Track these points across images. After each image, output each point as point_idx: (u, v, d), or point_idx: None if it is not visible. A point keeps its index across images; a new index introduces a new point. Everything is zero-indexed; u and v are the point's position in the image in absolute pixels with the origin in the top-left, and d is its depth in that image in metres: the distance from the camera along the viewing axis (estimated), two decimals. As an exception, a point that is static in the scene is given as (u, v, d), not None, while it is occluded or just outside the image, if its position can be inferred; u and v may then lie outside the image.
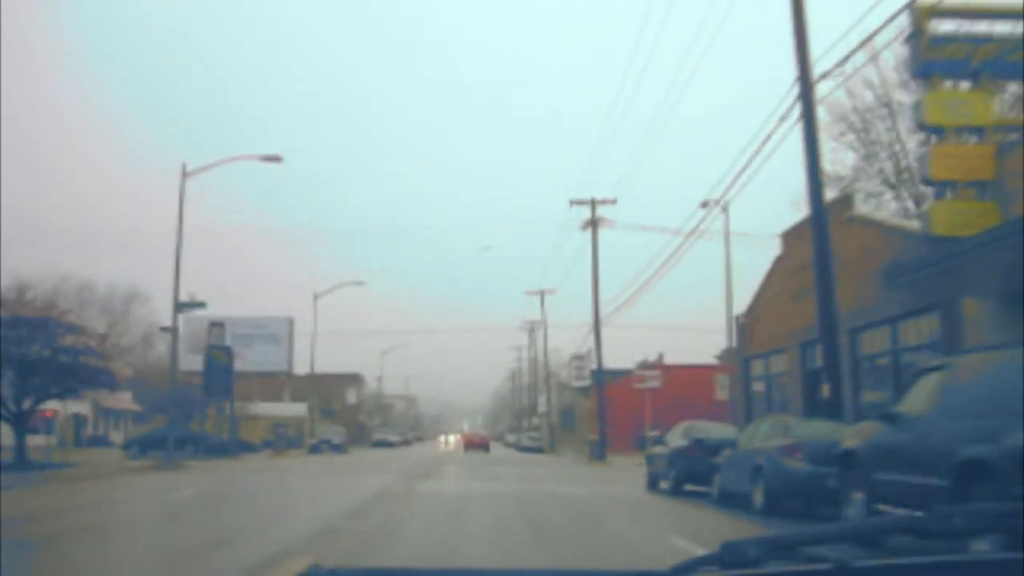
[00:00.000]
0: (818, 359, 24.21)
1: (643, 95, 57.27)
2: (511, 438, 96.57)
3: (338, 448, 55.77)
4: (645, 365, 46.90)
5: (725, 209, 33.98)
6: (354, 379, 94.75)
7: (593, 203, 43.63)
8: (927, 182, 17.78)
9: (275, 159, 32.93)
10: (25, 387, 27.82)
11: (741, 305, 33.64)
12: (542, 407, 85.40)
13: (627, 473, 31.47)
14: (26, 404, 28.28)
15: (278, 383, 73.80)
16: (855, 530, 2.14)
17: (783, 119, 18.98)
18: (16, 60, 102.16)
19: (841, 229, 20.19)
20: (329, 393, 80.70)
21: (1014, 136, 17.05)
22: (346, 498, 17.40)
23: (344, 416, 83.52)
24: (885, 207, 33.21)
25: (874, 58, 22.02)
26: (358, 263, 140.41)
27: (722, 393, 36.03)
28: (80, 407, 55.04)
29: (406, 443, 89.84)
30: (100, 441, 58.41)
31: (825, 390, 17.54)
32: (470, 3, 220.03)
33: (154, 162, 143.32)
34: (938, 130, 16.54)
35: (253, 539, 11.28)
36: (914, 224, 21.76)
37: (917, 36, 16.33)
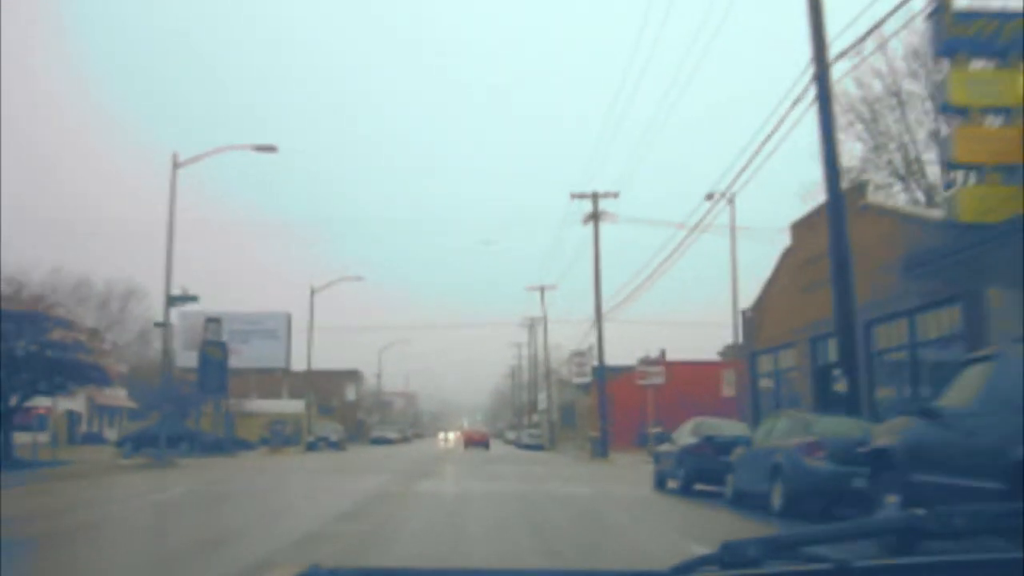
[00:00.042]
0: (830, 353, 23.49)
1: (644, 93, 56.71)
2: (511, 435, 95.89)
3: (336, 445, 55.02)
4: (647, 361, 46.05)
5: (731, 201, 33.28)
6: (353, 376, 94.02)
7: (595, 196, 42.94)
8: (951, 165, 16.99)
9: (269, 149, 32.13)
10: (11, 383, 27.02)
11: (746, 300, 32.95)
12: (542, 404, 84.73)
13: (631, 471, 30.76)
14: (13, 400, 27.48)
15: (276, 380, 73.09)
16: (855, 530, 2.10)
17: (797, 101, 18.23)
18: (16, 58, 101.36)
19: (855, 219, 19.38)
20: (328, 390, 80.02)
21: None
22: (340, 499, 16.60)
23: (343, 413, 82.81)
24: (894, 199, 32.45)
25: (887, 41, 21.28)
26: (357, 258, 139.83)
27: (728, 389, 35.26)
28: (74, 404, 54.34)
29: (405, 440, 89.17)
30: (95, 438, 57.67)
31: (842, 385, 16.75)
32: (470, 3, 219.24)
33: (154, 160, 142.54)
34: (963, 111, 15.71)
35: (236, 545, 10.45)
36: (931, 212, 20.97)
37: (941, 12, 15.52)
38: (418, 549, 10.27)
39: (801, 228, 25.83)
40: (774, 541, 1.88)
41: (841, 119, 31.72)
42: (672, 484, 19.74)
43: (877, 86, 33.94)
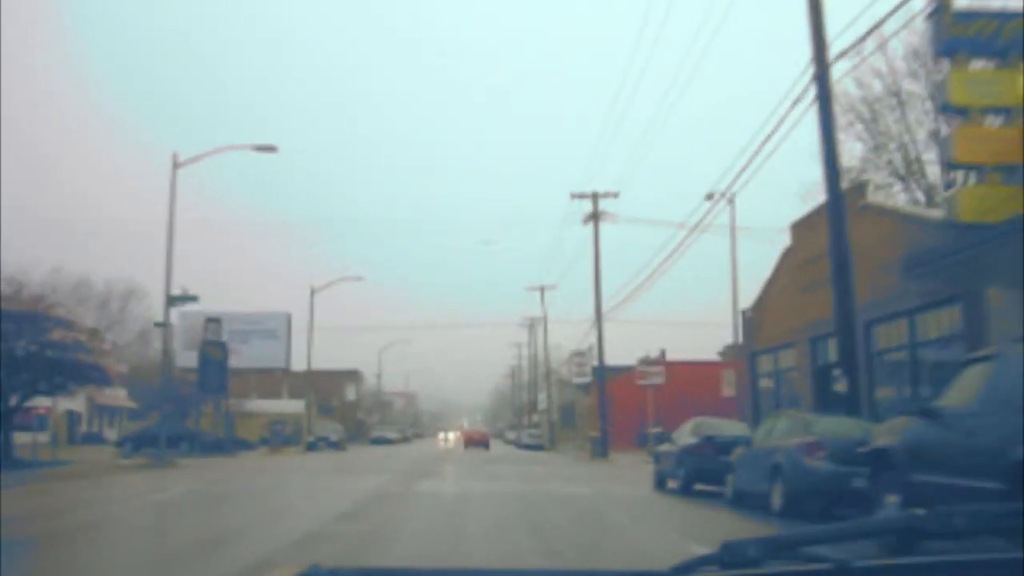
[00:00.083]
0: (830, 353, 23.47)
1: (644, 92, 56.64)
2: (511, 435, 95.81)
3: (335, 446, 55.00)
4: (647, 361, 46.01)
5: (731, 201, 33.26)
6: (353, 376, 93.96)
7: (595, 196, 42.93)
8: (951, 165, 16.97)
9: (269, 149, 32.11)
10: (11, 383, 27.00)
11: (746, 300, 32.94)
12: (542, 404, 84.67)
13: (631, 471, 30.74)
14: (13, 400, 27.46)
15: (276, 380, 73.05)
16: (855, 530, 2.10)
17: (796, 101, 18.23)
18: (16, 58, 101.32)
19: (855, 219, 19.36)
20: (328, 390, 79.97)
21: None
22: (339, 500, 16.57)
23: (343, 413, 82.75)
24: (894, 199, 32.42)
25: (887, 41, 21.25)
26: (357, 258, 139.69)
27: (728, 389, 35.24)
28: (74, 404, 54.30)
29: (405, 440, 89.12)
30: (95, 438, 57.63)
31: (842, 385, 16.73)
32: (470, 3, 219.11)
33: (155, 160, 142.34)
34: (963, 111, 15.69)
35: (235, 545, 10.43)
36: (931, 212, 20.95)
37: (941, 11, 15.50)
38: (418, 549, 10.20)
39: (801, 228, 25.82)
40: (774, 541, 1.88)
41: (841, 119, 31.68)
42: (672, 484, 19.73)
43: (877, 86, 33.92)
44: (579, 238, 77.00)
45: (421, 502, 16.90)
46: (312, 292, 58.59)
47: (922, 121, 33.52)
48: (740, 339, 33.12)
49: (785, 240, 27.49)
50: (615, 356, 46.63)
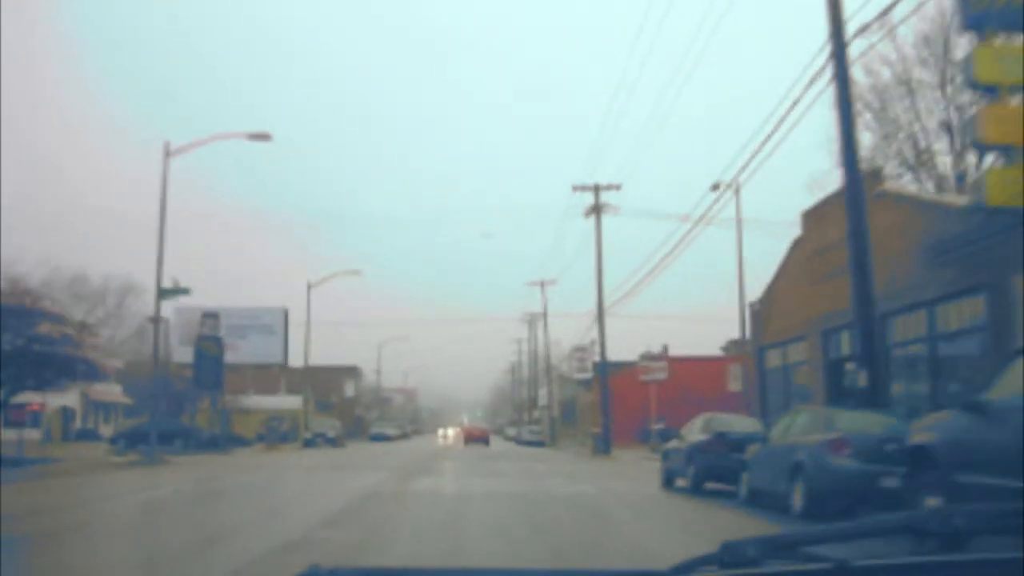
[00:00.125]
0: (843, 346, 22.68)
1: (646, 85, 55.80)
2: (511, 432, 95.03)
3: (333, 442, 54.21)
4: (649, 356, 45.19)
5: (737, 191, 32.43)
6: (352, 372, 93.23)
7: (597, 188, 42.15)
8: (978, 146, 16.12)
9: (263, 137, 31.27)
10: (-3, 378, 26.22)
11: (751, 295, 32.13)
12: (543, 400, 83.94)
13: (634, 467, 29.98)
14: (-2, 396, 26.69)
15: (273, 376, 72.28)
16: (855, 530, 2.01)
17: (812, 81, 17.46)
18: (16, 57, 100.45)
19: (870, 206, 18.52)
20: (326, 386, 79.24)
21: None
22: (331, 499, 15.75)
23: (341, 409, 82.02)
24: (904, 189, 31.63)
25: (896, 27, 20.43)
26: (356, 253, 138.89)
27: (735, 384, 34.45)
28: (68, 400, 53.46)
29: (404, 437, 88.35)
30: (89, 435, 56.83)
31: (861, 378, 15.91)
32: (470, 3, 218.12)
33: (153, 159, 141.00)
34: (991, 88, 14.82)
35: (213, 551, 9.61)
36: (951, 198, 20.12)
37: (968, -17, 14.63)
38: (418, 549, 9.87)
39: (813, 217, 24.96)
40: (774, 541, 1.89)
41: (850, 107, 30.90)
42: (681, 482, 18.90)
43: (886, 74, 33.11)
44: (581, 232, 76.26)
45: (420, 501, 16.14)
46: (309, 287, 57.84)
47: (932, 110, 32.71)
48: (747, 333, 32.33)
49: (791, 234, 26.68)
50: (617, 351, 45.93)
